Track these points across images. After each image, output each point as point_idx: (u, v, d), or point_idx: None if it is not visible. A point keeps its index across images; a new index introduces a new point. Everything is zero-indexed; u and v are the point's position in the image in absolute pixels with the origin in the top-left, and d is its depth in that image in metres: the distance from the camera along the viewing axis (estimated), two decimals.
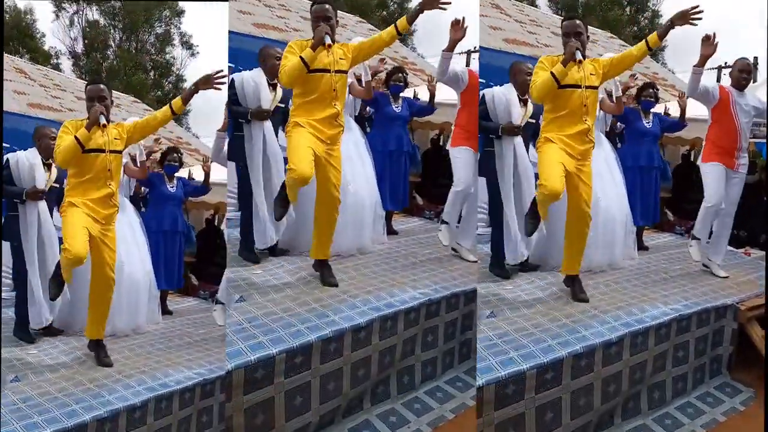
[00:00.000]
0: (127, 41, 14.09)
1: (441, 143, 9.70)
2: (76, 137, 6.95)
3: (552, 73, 7.08)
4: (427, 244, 8.54)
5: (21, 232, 7.83)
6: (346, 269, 7.81)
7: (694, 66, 7.96)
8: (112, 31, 14.22)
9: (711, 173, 8.28)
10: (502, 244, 8.03)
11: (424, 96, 9.38)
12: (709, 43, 7.74)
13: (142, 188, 8.88)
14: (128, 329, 8.17)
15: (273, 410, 6.60)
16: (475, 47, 9.37)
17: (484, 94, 8.05)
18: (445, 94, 8.69)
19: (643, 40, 7.19)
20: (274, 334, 6.71)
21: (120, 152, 7.21)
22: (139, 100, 10.94)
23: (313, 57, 7.03)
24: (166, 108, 7.27)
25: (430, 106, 9.04)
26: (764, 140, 9.19)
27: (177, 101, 7.28)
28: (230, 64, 8.29)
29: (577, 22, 7.31)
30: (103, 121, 6.96)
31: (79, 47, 14.25)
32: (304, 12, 10.04)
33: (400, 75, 8.96)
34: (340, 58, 7.20)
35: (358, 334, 6.97)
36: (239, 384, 6.45)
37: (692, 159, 9.99)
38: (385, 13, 12.92)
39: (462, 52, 8.89)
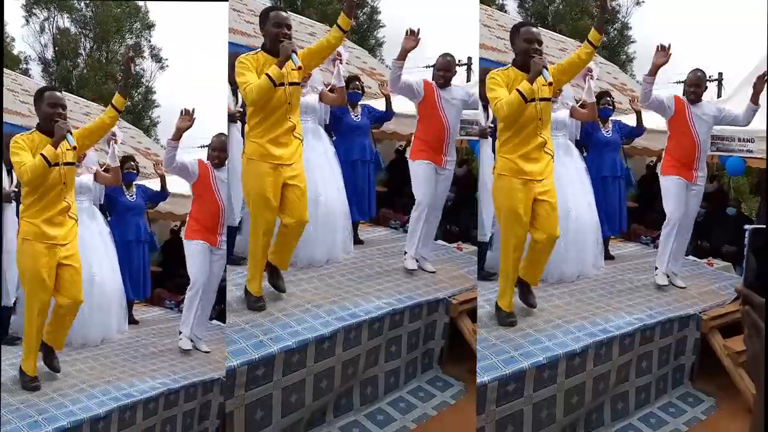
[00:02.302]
0: (97, 51, 14.05)
1: (406, 154, 9.70)
2: (43, 155, 6.70)
3: (519, 91, 6.81)
4: (392, 254, 8.53)
5: None
6: (311, 279, 7.81)
7: (645, 75, 7.95)
8: (82, 39, 14.18)
9: (671, 188, 8.25)
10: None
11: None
12: (663, 53, 7.72)
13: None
14: (99, 339, 8.15)
15: (232, 424, 6.59)
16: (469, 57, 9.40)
17: None
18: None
19: (585, 40, 6.96)
20: (235, 345, 6.71)
21: (73, 164, 6.99)
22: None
23: (280, 75, 6.84)
24: (109, 108, 7.07)
25: (389, 111, 8.95)
26: (728, 154, 9.20)
27: (117, 98, 7.05)
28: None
29: (536, 29, 7.12)
30: (73, 142, 6.77)
31: (49, 54, 14.18)
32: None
33: (357, 83, 8.90)
34: (292, 69, 6.97)
35: (321, 344, 6.96)
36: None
37: (657, 170, 10.02)
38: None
39: (430, 66, 8.85)
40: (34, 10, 14.08)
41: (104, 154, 8.39)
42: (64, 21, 14.08)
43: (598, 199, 8.67)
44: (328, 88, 8.37)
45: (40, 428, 6.63)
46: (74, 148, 6.80)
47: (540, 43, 6.98)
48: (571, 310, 7.62)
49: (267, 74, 6.80)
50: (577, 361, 7.04)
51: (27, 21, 14.04)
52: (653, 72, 7.84)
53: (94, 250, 8.20)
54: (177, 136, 7.84)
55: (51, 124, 6.80)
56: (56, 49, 13.94)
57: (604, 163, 8.95)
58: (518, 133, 7.00)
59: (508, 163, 7.04)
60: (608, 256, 9.00)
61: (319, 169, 8.21)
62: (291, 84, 6.97)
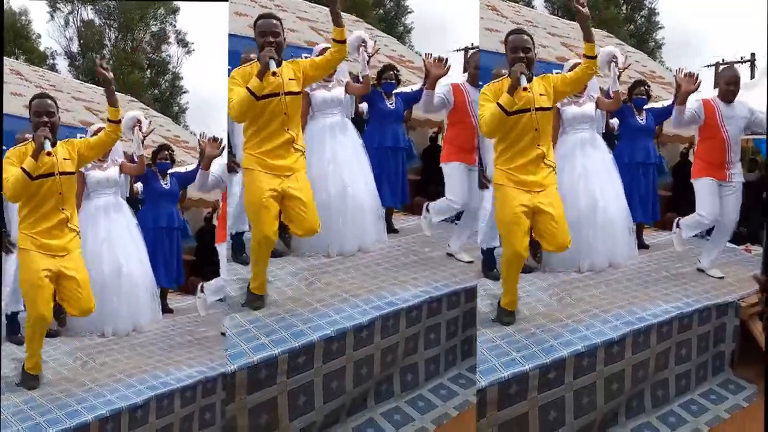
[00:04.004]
0: (122, 40, 14.06)
1: (438, 141, 9.67)
2: (23, 168, 6.55)
3: (498, 104, 6.65)
4: (428, 242, 8.51)
5: None
6: (347, 269, 7.81)
7: (676, 105, 7.97)
8: (107, 30, 14.20)
9: (702, 190, 8.23)
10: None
11: None
12: (691, 80, 7.72)
13: (136, 186, 8.80)
14: (130, 328, 8.14)
15: (276, 410, 6.62)
16: (472, 44, 9.35)
17: None
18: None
19: (583, 57, 6.73)
20: (277, 335, 6.73)
21: (72, 173, 6.81)
22: (135, 99, 10.94)
23: (260, 87, 6.63)
24: (107, 125, 6.84)
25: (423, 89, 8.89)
26: (763, 137, 9.15)
27: (110, 109, 6.79)
28: (227, 66, 8.24)
29: (525, 36, 6.84)
30: (48, 148, 6.53)
31: (75, 47, 14.21)
32: (301, 13, 10.06)
33: (392, 72, 8.86)
34: (290, 79, 6.81)
35: (360, 333, 6.98)
36: (242, 384, 6.50)
37: (690, 158, 9.98)
38: (381, 11, 12.89)
39: (460, 49, 8.82)
40: (58, 5, 14.12)
41: (129, 144, 8.36)
42: (88, 13, 14.13)
43: (632, 186, 8.64)
44: (357, 78, 8.35)
45: (80, 417, 6.64)
46: (48, 153, 6.55)
47: (526, 50, 6.74)
48: (607, 300, 7.59)
49: (247, 87, 6.65)
50: (615, 349, 7.02)
51: (52, 16, 14.09)
52: (683, 101, 7.90)
53: (121, 241, 8.20)
54: (207, 165, 7.87)
55: None
56: (81, 42, 13.97)
57: (638, 150, 8.91)
58: (515, 144, 6.84)
59: (504, 174, 6.91)
60: (643, 245, 8.96)
61: (346, 162, 8.19)
62: (288, 94, 6.80)
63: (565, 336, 6.96)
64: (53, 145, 6.65)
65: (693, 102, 8.13)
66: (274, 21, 6.83)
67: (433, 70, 7.80)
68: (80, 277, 6.85)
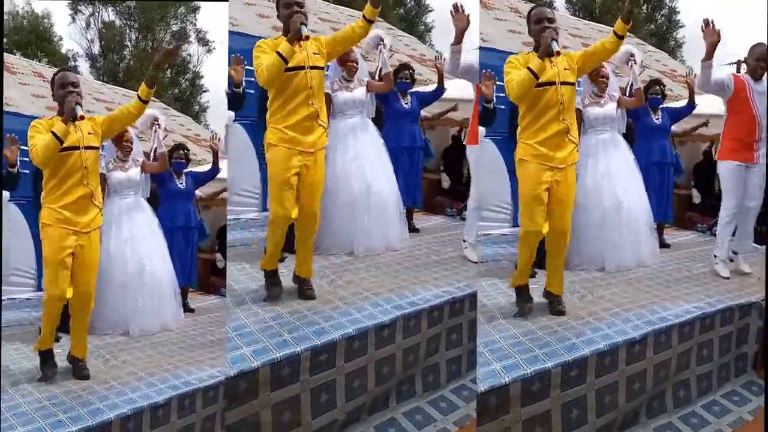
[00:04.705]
0: (143, 40, 14.10)
1: (461, 140, 9.65)
2: (53, 132, 6.63)
3: (529, 68, 6.72)
4: (449, 242, 8.51)
5: None
6: (368, 267, 7.83)
7: (702, 60, 7.84)
8: (127, 31, 14.24)
9: (728, 174, 8.17)
10: None
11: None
12: (712, 31, 7.63)
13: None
14: (156, 327, 8.15)
15: (299, 408, 6.64)
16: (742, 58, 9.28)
17: None
18: (463, 90, 8.61)
19: (612, 32, 6.81)
20: (299, 332, 6.75)
21: (96, 148, 6.90)
22: (156, 99, 10.95)
23: (291, 51, 6.70)
24: (135, 99, 6.93)
25: (440, 89, 8.84)
26: None
27: (142, 88, 6.87)
28: (249, 67, 8.23)
29: (546, 8, 7.00)
30: (80, 112, 6.62)
31: (96, 49, 14.25)
32: (323, 14, 10.05)
33: (407, 72, 8.86)
34: (314, 53, 6.90)
35: (381, 332, 6.98)
36: (266, 381, 6.51)
37: (713, 156, 9.93)
38: (402, 11, 12.91)
39: (732, 63, 8.78)
40: (79, 7, 14.16)
41: (147, 143, 8.40)
42: (109, 14, 14.16)
43: (648, 186, 8.62)
44: (376, 75, 8.35)
45: (102, 415, 6.65)
46: (81, 117, 6.64)
47: (550, 20, 6.85)
48: (628, 298, 7.59)
49: (277, 52, 6.71)
50: (637, 348, 7.01)
51: (73, 19, 14.14)
52: (710, 54, 7.75)
53: (143, 241, 8.22)
54: (458, 39, 7.73)
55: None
56: (102, 43, 14.01)
57: (654, 150, 8.90)
58: (539, 118, 6.90)
59: (528, 149, 6.96)
60: (664, 245, 8.95)
61: (368, 159, 8.22)
62: (313, 68, 6.89)
63: (587, 334, 6.97)
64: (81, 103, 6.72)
65: (722, 72, 8.10)
66: None
67: (455, 24, 7.68)
68: (91, 262, 6.95)
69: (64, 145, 6.70)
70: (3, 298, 7.95)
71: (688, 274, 8.24)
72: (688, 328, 7.33)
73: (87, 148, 6.80)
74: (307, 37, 6.71)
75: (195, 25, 13.98)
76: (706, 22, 7.62)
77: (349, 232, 7.97)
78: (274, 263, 7.27)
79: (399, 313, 7.12)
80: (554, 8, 12.41)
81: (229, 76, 7.92)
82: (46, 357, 7.17)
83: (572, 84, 6.95)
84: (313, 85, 6.87)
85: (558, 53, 6.69)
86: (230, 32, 8.48)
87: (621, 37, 6.80)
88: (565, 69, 6.88)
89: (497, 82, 7.81)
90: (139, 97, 6.91)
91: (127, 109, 6.98)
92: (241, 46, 8.21)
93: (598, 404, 6.81)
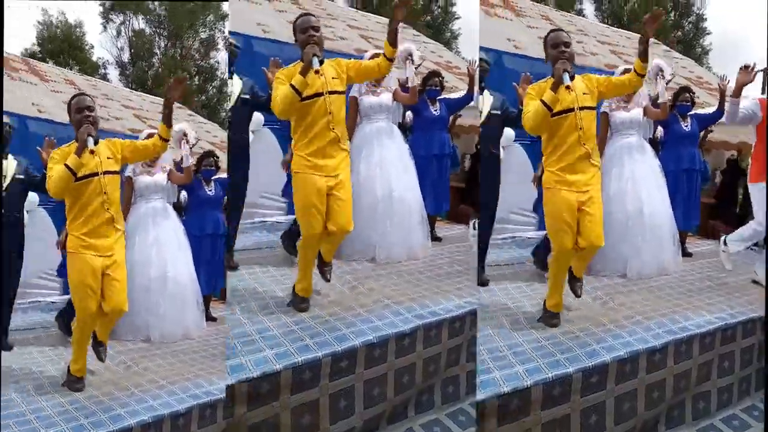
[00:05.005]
0: (171, 48, 14.20)
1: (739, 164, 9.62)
2: (66, 165, 6.64)
3: (542, 101, 6.78)
4: (471, 251, 8.50)
5: None
6: (389, 275, 7.85)
7: (730, 97, 7.95)
8: (157, 38, 14.34)
9: (757, 195, 8.16)
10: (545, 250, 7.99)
11: None
12: (746, 72, 7.69)
13: (181, 195, 8.83)
14: (177, 334, 8.18)
15: (318, 412, 6.68)
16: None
17: None
18: None
19: (632, 70, 6.89)
20: (321, 337, 6.80)
21: (116, 172, 6.88)
22: (183, 106, 11.01)
23: (303, 83, 6.75)
24: (156, 138, 6.96)
25: (469, 95, 8.73)
26: None
27: (162, 128, 6.90)
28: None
29: (563, 33, 7.00)
30: (91, 146, 6.59)
31: (126, 57, 14.37)
32: (351, 21, 10.08)
33: (437, 79, 8.82)
34: (333, 78, 6.91)
35: (402, 340, 7.02)
36: (287, 384, 6.56)
37: (738, 164, 9.88)
38: (428, 18, 12.93)
39: (759, 71, 8.80)
40: (110, 16, 14.29)
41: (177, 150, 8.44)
42: (139, 23, 14.27)
43: (676, 193, 8.60)
44: (402, 86, 8.37)
45: (123, 421, 6.72)
46: (92, 152, 6.62)
47: (566, 44, 6.88)
48: (649, 306, 7.59)
49: (291, 84, 6.76)
50: (657, 357, 7.02)
51: (104, 27, 14.27)
52: (738, 93, 7.88)
53: (169, 247, 8.24)
54: (737, 92, 7.94)
55: None
56: (132, 51, 14.11)
57: (683, 157, 8.84)
58: (561, 145, 6.95)
59: (552, 176, 7.02)
60: (686, 253, 8.91)
61: (392, 166, 8.22)
62: (332, 93, 6.90)
63: (608, 341, 6.99)
64: (96, 142, 6.68)
65: (747, 101, 8.11)
66: (313, 17, 6.96)
67: (739, 77, 7.80)
68: (121, 278, 6.91)
69: (84, 172, 6.71)
70: (28, 301, 8.06)
71: (710, 284, 8.20)
72: (709, 338, 7.33)
73: (106, 173, 6.79)
74: (318, 72, 6.74)
75: (223, 32, 14.05)
76: (746, 66, 7.69)
77: (371, 239, 7.99)
78: (310, 291, 7.33)
79: (420, 322, 7.14)
80: (584, 15, 12.43)
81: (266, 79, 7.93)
82: (77, 380, 7.20)
83: (592, 108, 6.98)
84: (332, 111, 6.90)
85: (568, 87, 6.72)
86: (261, 38, 8.54)
87: (642, 76, 6.87)
88: (584, 93, 6.92)
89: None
90: (160, 136, 6.94)
91: (152, 144, 6.98)
92: (273, 53, 8.27)
93: (617, 411, 6.83)
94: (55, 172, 6.69)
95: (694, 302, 7.74)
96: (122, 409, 6.85)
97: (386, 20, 7.00)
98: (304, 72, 6.74)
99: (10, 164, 7.83)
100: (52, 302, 8.36)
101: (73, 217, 6.82)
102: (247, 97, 8.01)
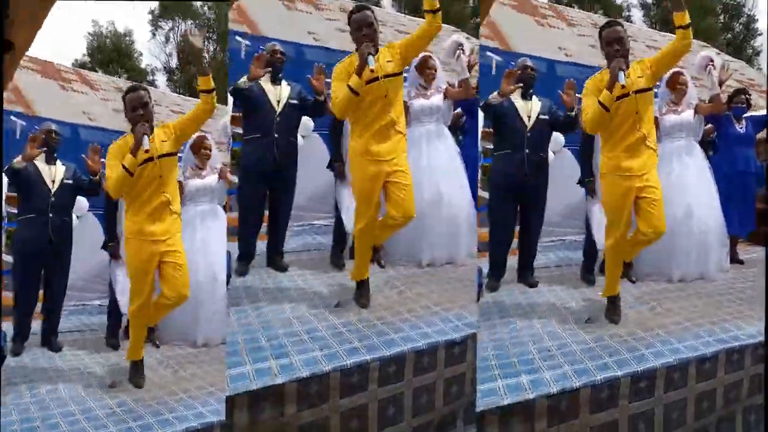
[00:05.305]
0: (220, 52, 14.29)
1: None
2: (124, 166, 6.69)
3: (600, 102, 6.76)
4: None
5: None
6: (439, 281, 7.77)
7: None
8: (206, 42, 14.41)
9: None
10: (594, 252, 8.02)
11: None
12: None
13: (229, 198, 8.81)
14: (220, 339, 8.11)
15: (367, 417, 6.67)
16: None
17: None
18: None
19: (675, 27, 6.68)
20: (368, 341, 6.79)
21: (172, 155, 6.89)
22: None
23: (360, 83, 6.75)
24: (200, 94, 6.82)
25: None
26: None
27: (201, 79, 6.81)
28: (329, 79, 8.25)
29: (618, 28, 6.92)
30: (146, 146, 6.63)
31: (174, 62, 14.48)
32: (400, 26, 10.09)
33: (743, 97, 8.76)
34: (388, 61, 6.87)
35: (452, 349, 6.98)
36: (335, 387, 6.56)
37: None
38: (729, 35, 12.95)
39: None
40: (159, 23, 14.42)
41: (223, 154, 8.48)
42: (189, 27, 14.38)
43: (731, 196, 8.52)
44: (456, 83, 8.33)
45: (171, 426, 6.71)
46: (146, 151, 6.66)
47: (620, 41, 6.83)
48: (698, 313, 7.51)
49: (348, 85, 6.78)
50: (707, 366, 6.95)
51: (153, 35, 14.40)
52: None
53: (216, 248, 8.24)
54: None
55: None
56: (180, 56, 14.22)
57: (737, 159, 8.73)
58: (617, 131, 6.93)
59: (609, 162, 7.01)
60: (736, 260, 8.81)
61: (441, 168, 8.17)
62: (387, 76, 6.88)
63: (656, 346, 6.94)
64: (150, 132, 6.74)
65: None
66: (368, 12, 6.94)
67: None
68: (180, 261, 6.97)
69: (139, 159, 6.73)
70: (73, 303, 8.13)
71: (762, 292, 8.05)
72: (762, 350, 7.23)
73: (161, 156, 6.81)
74: (372, 71, 6.72)
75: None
76: None
77: (418, 243, 7.94)
78: (364, 273, 7.34)
79: (470, 331, 7.11)
80: (632, 21, 12.38)
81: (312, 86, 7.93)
82: (136, 366, 7.29)
83: (648, 90, 6.94)
84: (388, 94, 6.88)
85: (623, 86, 6.70)
86: (309, 45, 8.58)
87: (685, 27, 6.64)
88: (638, 77, 6.88)
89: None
90: (200, 90, 6.82)
91: (198, 108, 6.88)
92: (321, 59, 8.32)
93: (666, 419, 6.78)
94: (113, 173, 6.76)
95: (745, 311, 7.62)
96: (170, 413, 6.84)
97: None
98: (359, 71, 6.75)
99: (59, 169, 7.93)
100: (99, 305, 8.40)
101: (129, 203, 6.91)
102: (295, 102, 8.01)
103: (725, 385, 7.05)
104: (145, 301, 6.97)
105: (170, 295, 6.97)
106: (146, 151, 6.66)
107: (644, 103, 6.91)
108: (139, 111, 6.81)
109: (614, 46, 6.81)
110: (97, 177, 7.67)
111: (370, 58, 6.68)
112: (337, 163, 8.05)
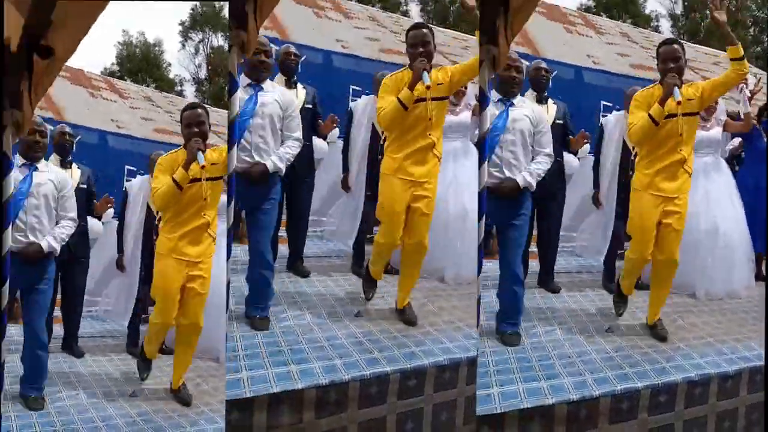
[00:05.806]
0: None
1: None
2: (174, 179, 6.67)
3: (650, 115, 6.81)
4: None
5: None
6: (461, 297, 7.68)
7: None
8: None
9: None
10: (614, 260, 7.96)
11: None
12: None
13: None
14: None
15: (385, 429, 6.63)
16: None
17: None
18: None
19: (729, 60, 6.83)
20: (389, 352, 6.77)
21: (218, 179, 6.77)
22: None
23: (410, 97, 6.77)
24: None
25: None
26: None
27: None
28: (356, 87, 8.28)
29: (675, 46, 7.00)
30: (202, 161, 6.58)
31: (203, 73, 14.54)
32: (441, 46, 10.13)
33: None
34: (438, 84, 6.83)
35: (474, 366, 6.86)
36: (354, 396, 6.53)
37: None
38: (758, 48, 12.89)
39: None
40: (189, 34, 14.48)
41: None
42: (218, 39, 14.44)
43: (756, 212, 8.45)
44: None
45: None
46: (202, 167, 6.62)
47: (676, 60, 6.91)
48: (722, 329, 7.48)
49: (398, 98, 6.78)
50: (730, 383, 6.92)
51: (183, 46, 14.47)
52: None
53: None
54: None
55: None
56: (209, 67, 14.28)
57: (764, 173, 8.69)
58: (657, 149, 6.98)
59: (643, 179, 7.04)
60: (762, 277, 8.74)
61: (466, 185, 8.02)
62: (434, 99, 6.87)
63: (677, 360, 6.93)
64: (204, 148, 6.71)
65: None
66: (425, 30, 6.99)
67: None
68: (202, 291, 6.92)
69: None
70: (95, 308, 8.14)
71: None
72: None
73: (208, 179, 6.75)
74: (429, 87, 6.73)
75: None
76: None
77: (442, 258, 7.91)
78: (378, 274, 7.35)
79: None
80: (660, 32, 12.32)
81: None
82: (147, 362, 7.33)
83: (695, 114, 7.02)
84: (433, 117, 6.89)
85: (679, 102, 6.72)
86: (338, 53, 8.59)
87: (739, 59, 6.80)
88: (688, 99, 6.92)
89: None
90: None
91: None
92: (349, 67, 8.33)
93: None
94: (162, 185, 6.73)
95: None
96: (191, 427, 6.86)
97: (463, 36, 7.01)
98: (412, 86, 6.77)
99: (74, 173, 7.83)
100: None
101: (167, 219, 6.88)
102: (310, 106, 8.01)
103: (747, 405, 7.01)
104: (166, 323, 6.97)
105: (184, 323, 6.97)
106: (202, 167, 6.64)
107: (690, 126, 6.97)
108: (194, 128, 6.76)
109: (669, 64, 6.88)
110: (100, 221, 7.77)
111: (425, 74, 6.70)
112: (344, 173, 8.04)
